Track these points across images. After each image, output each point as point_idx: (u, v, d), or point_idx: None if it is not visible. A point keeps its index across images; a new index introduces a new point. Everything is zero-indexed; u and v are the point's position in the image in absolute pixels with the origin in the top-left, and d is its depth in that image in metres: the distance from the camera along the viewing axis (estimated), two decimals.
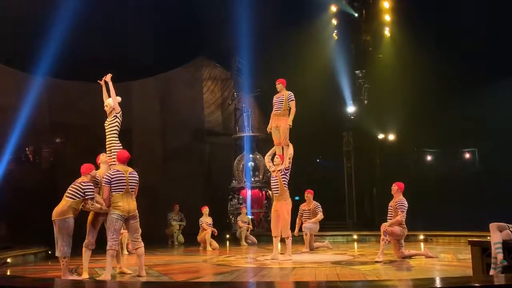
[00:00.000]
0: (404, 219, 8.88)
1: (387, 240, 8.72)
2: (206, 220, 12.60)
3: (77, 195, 6.93)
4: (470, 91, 15.16)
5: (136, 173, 7.20)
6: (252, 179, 16.75)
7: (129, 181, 7.07)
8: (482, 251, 6.12)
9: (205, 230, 12.37)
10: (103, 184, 7.12)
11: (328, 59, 16.55)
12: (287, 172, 9.34)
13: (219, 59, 19.00)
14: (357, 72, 16.97)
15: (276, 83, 9.85)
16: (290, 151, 9.39)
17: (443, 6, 15.06)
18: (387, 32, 16.81)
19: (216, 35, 16.94)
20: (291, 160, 9.34)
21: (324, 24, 17.18)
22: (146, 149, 16.62)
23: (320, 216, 11.12)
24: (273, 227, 9.54)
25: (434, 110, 15.98)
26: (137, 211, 7.13)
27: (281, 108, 9.62)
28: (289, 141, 9.50)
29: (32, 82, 13.27)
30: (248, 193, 16.55)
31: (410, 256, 9.02)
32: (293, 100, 9.60)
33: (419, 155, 18.01)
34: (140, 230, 7.27)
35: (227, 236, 14.74)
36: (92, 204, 6.94)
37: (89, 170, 7.15)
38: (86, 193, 6.93)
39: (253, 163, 16.88)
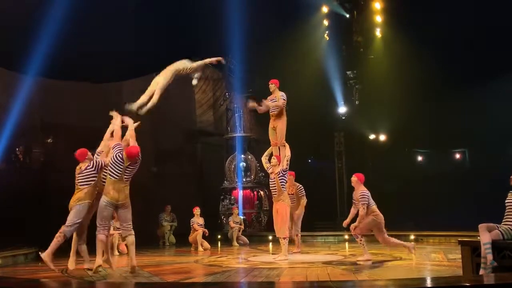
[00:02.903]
0: (371, 207, 8.65)
1: (361, 240, 8.71)
2: (197, 221, 12.60)
3: (92, 178, 7.21)
4: (460, 92, 15.26)
5: (135, 165, 7.22)
6: (244, 180, 16.75)
7: (127, 171, 7.13)
8: (472, 251, 6.17)
9: (196, 230, 12.37)
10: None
11: (319, 60, 16.60)
12: (285, 174, 9.36)
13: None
14: (348, 72, 17.03)
15: (269, 83, 9.88)
16: (287, 152, 9.41)
17: (433, 7, 15.15)
18: (378, 33, 16.89)
19: (208, 35, 16.91)
20: (288, 162, 9.36)
21: (315, 25, 17.22)
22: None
23: (304, 201, 10.68)
24: (276, 228, 9.52)
25: (425, 110, 16.08)
26: (128, 200, 7.17)
27: (277, 109, 9.65)
28: (285, 142, 9.52)
29: (22, 81, 13.19)
30: (240, 193, 16.57)
31: (395, 245, 8.95)
32: (284, 100, 9.61)
33: (410, 156, 18.10)
34: (131, 218, 7.29)
35: (219, 236, 14.74)
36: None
37: (85, 155, 7.46)
38: (99, 167, 7.28)
39: (244, 164, 16.88)
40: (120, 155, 7.10)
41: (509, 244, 5.87)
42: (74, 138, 14.59)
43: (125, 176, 7.12)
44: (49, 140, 14.98)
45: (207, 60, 9.81)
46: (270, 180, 9.59)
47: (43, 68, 12.96)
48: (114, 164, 7.06)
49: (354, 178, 9.00)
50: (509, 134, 15.09)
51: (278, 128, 9.58)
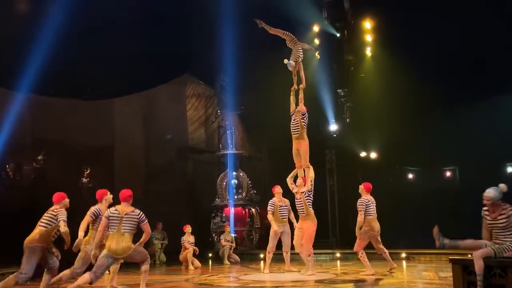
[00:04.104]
0: (367, 218, 9.30)
1: (361, 255, 9.28)
2: (188, 239, 12.54)
3: (51, 222, 6.94)
4: (451, 110, 15.41)
5: (136, 213, 7.03)
6: (235, 197, 16.70)
7: (123, 221, 6.93)
8: (463, 269, 6.19)
9: (187, 249, 12.30)
10: (103, 217, 7.09)
11: (311, 78, 16.68)
12: (310, 194, 9.70)
13: (203, 77, 19.08)
14: (339, 91, 17.13)
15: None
16: (311, 174, 9.79)
17: (423, 27, 15.36)
18: (368, 52, 17.06)
19: (201, 52, 17.02)
20: (312, 182, 9.75)
21: (307, 44, 17.34)
22: (128, 166, 16.52)
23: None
24: (297, 245, 9.78)
25: (416, 128, 16.19)
26: (130, 252, 6.93)
27: (298, 131, 10.00)
28: (309, 164, 9.88)
29: (14, 98, 13.17)
30: (231, 211, 16.50)
31: (385, 258, 9.41)
32: (305, 115, 10.21)
33: (401, 173, 18.16)
34: (143, 256, 7.17)
35: (210, 254, 14.65)
36: (64, 226, 6.87)
37: (62, 199, 7.17)
38: (58, 216, 6.93)
39: (236, 181, 16.85)
40: (114, 208, 7.03)
41: (500, 262, 5.89)
42: (66, 155, 14.61)
43: (123, 227, 6.89)
44: (40, 157, 14.91)
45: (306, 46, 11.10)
46: (296, 200, 9.81)
47: (34, 85, 12.97)
48: (111, 218, 6.93)
49: (360, 186, 9.61)
50: (499, 152, 15.25)
51: (301, 151, 9.95)
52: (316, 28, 17.15)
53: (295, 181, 9.99)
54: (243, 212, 16.74)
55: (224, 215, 16.48)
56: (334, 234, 16.40)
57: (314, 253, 13.73)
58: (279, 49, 15.97)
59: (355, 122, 17.08)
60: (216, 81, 18.20)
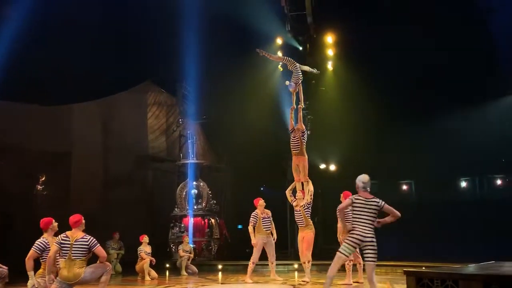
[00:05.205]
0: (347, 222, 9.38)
1: (348, 264, 9.48)
2: (145, 249, 12.36)
3: None
4: (408, 124, 15.81)
5: (86, 240, 6.88)
6: (195, 207, 16.57)
7: (73, 248, 6.80)
8: (417, 280, 6.34)
9: (144, 259, 12.12)
10: (54, 243, 6.94)
11: (273, 90, 16.84)
12: (310, 206, 10.33)
13: (165, 85, 18.95)
14: None
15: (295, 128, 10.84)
16: (310, 187, 10.36)
17: (384, 42, 15.74)
18: (329, 66, 17.36)
19: (163, 60, 16.92)
20: (312, 196, 10.34)
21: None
22: (86, 174, 16.18)
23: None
24: (301, 254, 10.28)
25: (374, 141, 16.53)
26: (81, 276, 6.81)
27: (298, 148, 10.53)
28: (308, 178, 10.38)
29: None
30: (191, 221, 16.36)
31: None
32: (304, 133, 10.83)
33: None
34: (100, 272, 7.02)
35: (167, 265, 14.46)
36: None
37: None
38: None
39: (196, 191, 16.73)
40: (65, 234, 6.89)
41: (451, 275, 6.05)
42: (20, 161, 14.18)
43: (73, 254, 6.77)
44: None
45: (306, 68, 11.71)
46: (295, 212, 10.43)
47: None
48: (62, 245, 6.80)
49: (341, 195, 10.00)
50: (453, 166, 15.73)
51: (301, 166, 10.47)
52: (279, 41, 17.33)
53: (294, 194, 10.54)
54: (203, 222, 16.60)
55: (183, 225, 16.32)
56: (293, 245, 16.45)
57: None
58: (241, 60, 16.12)
59: (315, 134, 17.29)
60: (178, 89, 18.12)
